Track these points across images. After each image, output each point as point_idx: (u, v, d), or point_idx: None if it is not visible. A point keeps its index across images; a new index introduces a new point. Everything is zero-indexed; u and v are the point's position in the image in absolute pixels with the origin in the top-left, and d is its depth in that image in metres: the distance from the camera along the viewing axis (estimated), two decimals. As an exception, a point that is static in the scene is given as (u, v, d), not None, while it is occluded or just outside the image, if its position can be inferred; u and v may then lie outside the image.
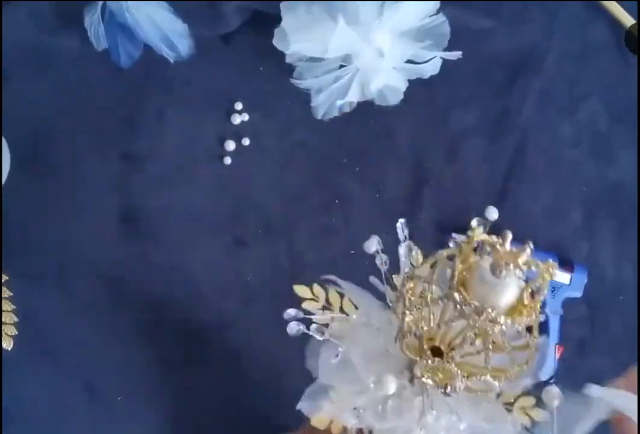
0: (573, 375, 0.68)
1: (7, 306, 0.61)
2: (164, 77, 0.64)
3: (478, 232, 0.34)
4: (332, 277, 0.43)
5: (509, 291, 0.32)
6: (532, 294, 0.33)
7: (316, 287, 0.43)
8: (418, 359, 0.36)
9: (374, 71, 0.62)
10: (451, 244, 0.42)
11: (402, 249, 0.44)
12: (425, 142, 0.69)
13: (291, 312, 0.40)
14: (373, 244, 0.43)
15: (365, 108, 0.67)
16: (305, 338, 0.64)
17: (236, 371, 0.63)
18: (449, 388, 0.35)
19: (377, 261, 0.44)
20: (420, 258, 0.45)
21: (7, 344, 0.61)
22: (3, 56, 0.61)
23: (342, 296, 0.43)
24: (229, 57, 0.65)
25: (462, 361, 0.36)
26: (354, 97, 0.63)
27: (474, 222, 0.42)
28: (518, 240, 0.73)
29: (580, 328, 0.71)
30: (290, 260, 0.66)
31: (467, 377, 0.36)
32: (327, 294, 0.43)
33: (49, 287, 0.62)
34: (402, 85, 0.66)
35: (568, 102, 0.72)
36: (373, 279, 0.44)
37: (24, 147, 0.61)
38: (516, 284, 0.32)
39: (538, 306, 0.33)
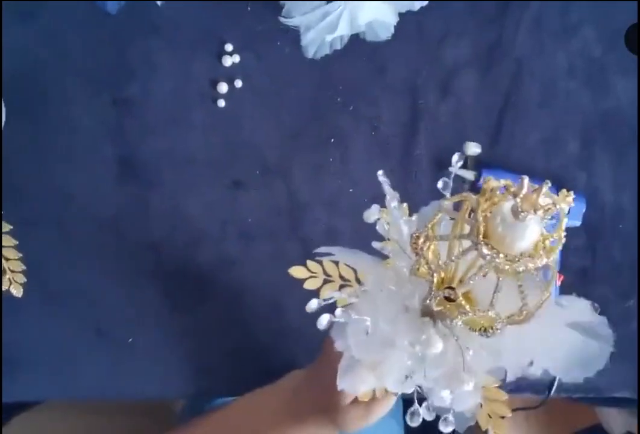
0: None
1: (14, 254, 0.62)
2: (152, 21, 0.64)
3: (492, 182, 0.34)
4: (322, 249, 0.43)
5: (530, 234, 0.32)
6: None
7: (311, 264, 0.44)
8: (432, 291, 0.36)
9: (362, 4, 0.61)
10: (440, 184, 0.42)
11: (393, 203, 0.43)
12: (419, 77, 0.69)
13: (313, 305, 0.38)
14: (373, 214, 0.42)
15: (357, 45, 0.66)
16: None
17: (240, 309, 0.65)
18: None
19: (379, 228, 0.43)
20: (407, 210, 0.45)
21: (18, 292, 0.62)
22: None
23: (337, 263, 0.44)
24: (216, -2, 0.65)
25: (469, 295, 0.37)
26: (343, 31, 0.62)
27: (454, 158, 0.42)
28: (517, 172, 0.73)
29: (581, 257, 0.72)
30: (288, 200, 0.66)
31: (474, 313, 0.35)
32: (322, 266, 0.44)
33: (52, 235, 0.63)
34: (392, 20, 0.65)
35: (561, 31, 0.71)
36: (376, 244, 0.43)
37: (16, 96, 0.61)
38: (537, 226, 0.32)
39: (556, 250, 0.33)
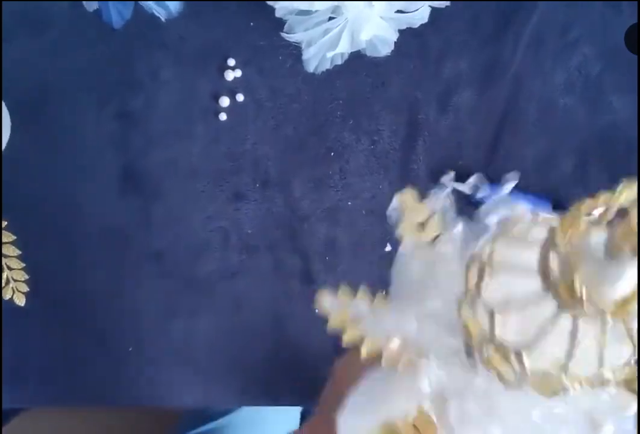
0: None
1: (17, 264, 0.63)
2: (156, 36, 0.65)
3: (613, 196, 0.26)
4: None
5: (626, 279, 0.25)
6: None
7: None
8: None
9: (363, 21, 0.62)
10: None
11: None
12: (418, 93, 0.70)
13: None
14: None
15: (357, 60, 0.67)
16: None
17: (240, 320, 0.66)
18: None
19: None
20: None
21: (20, 301, 0.63)
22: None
23: None
24: (220, 14, 0.66)
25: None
26: (344, 48, 0.63)
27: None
28: (519, 188, 0.73)
29: (576, 271, 0.72)
30: (288, 212, 0.67)
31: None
32: None
33: (55, 245, 0.64)
34: (393, 36, 0.66)
35: (560, 49, 0.72)
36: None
37: (22, 110, 0.62)
38: (635, 271, 0.25)
39: None
